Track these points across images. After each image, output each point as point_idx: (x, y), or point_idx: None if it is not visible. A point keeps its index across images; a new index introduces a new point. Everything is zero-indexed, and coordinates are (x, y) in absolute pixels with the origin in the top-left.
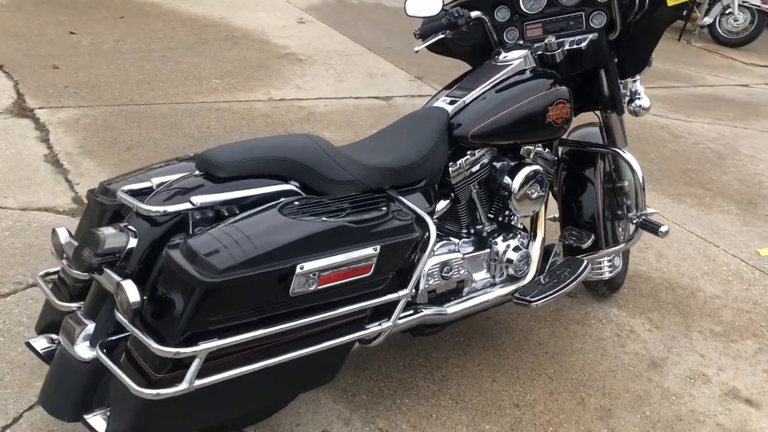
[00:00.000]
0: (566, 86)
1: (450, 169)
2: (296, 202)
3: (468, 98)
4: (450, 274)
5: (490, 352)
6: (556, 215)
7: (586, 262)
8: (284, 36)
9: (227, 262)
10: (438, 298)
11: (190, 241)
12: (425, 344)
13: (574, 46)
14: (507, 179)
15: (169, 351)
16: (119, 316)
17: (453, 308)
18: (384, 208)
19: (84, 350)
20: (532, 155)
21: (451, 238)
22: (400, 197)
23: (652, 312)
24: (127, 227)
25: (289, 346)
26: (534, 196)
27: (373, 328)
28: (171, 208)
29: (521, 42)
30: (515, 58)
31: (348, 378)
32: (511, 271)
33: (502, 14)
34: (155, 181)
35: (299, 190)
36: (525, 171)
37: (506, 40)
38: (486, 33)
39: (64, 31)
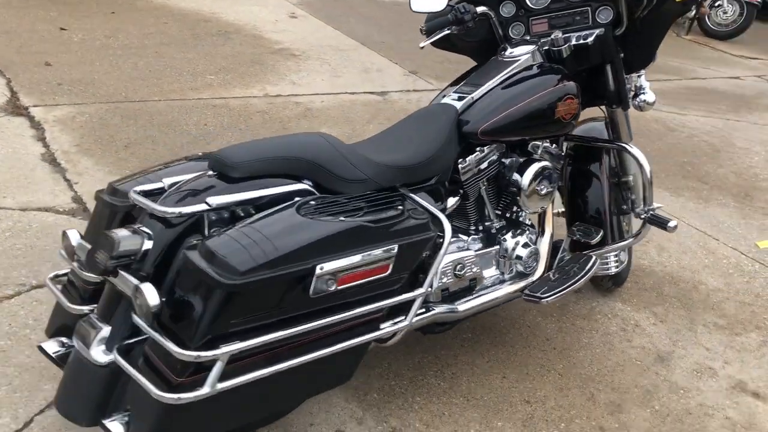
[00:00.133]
0: (574, 81)
1: (459, 166)
2: (312, 202)
3: (476, 94)
4: (463, 271)
5: (499, 348)
6: (560, 210)
7: (594, 257)
8: (277, 31)
9: (248, 264)
10: (450, 296)
11: (208, 242)
12: (433, 342)
13: (581, 41)
14: (516, 176)
15: (191, 355)
16: (137, 319)
17: (464, 305)
18: (400, 207)
19: (100, 354)
20: (539, 151)
21: (461, 236)
22: (414, 196)
23: (656, 306)
24: (141, 229)
25: (308, 347)
26: (543, 192)
27: (390, 327)
28: (186, 210)
29: (527, 37)
30: (522, 54)
31: (359, 377)
32: (520, 267)
33: (507, 9)
34: (167, 181)
35: (313, 190)
36: (534, 167)
37: (511, 35)
38: (491, 28)
39: (55, 27)
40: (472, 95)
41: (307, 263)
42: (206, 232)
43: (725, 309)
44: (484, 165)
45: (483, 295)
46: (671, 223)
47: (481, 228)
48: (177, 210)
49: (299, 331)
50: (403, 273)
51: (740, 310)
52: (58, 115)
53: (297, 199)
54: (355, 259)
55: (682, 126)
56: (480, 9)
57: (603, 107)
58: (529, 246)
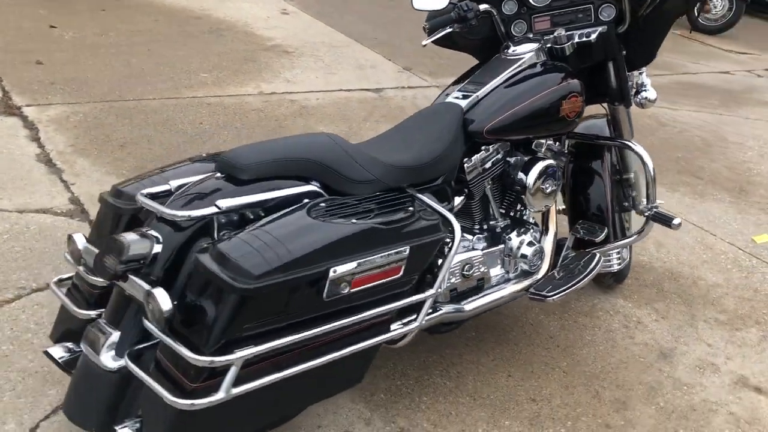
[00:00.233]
0: (578, 79)
1: (465, 165)
2: (322, 204)
3: (481, 93)
4: (471, 271)
5: (503, 346)
6: (561, 207)
7: (598, 255)
8: (269, 27)
9: (262, 268)
10: (458, 296)
11: (221, 246)
12: (438, 341)
13: (584, 39)
14: (521, 174)
15: (206, 360)
16: (148, 324)
17: (471, 305)
18: (411, 209)
19: (110, 360)
20: (543, 149)
21: (466, 235)
22: (423, 197)
23: (657, 302)
24: (149, 233)
25: (321, 350)
26: (548, 190)
27: (401, 328)
28: (196, 213)
29: (530, 35)
30: (526, 52)
31: (365, 377)
32: (524, 266)
33: (509, 7)
34: (173, 183)
35: (321, 191)
36: (539, 166)
37: (514, 33)
38: (493, 26)
39: (44, 24)
40: (477, 94)
41: (321, 266)
42: (216, 235)
43: (725, 304)
44: (489, 164)
45: (489, 294)
46: (675, 221)
47: (485, 227)
48: (187, 213)
49: (314, 334)
50: (415, 274)
51: (740, 306)
52: (52, 115)
53: (306, 201)
54: (369, 261)
55: (674, 121)
56: (483, 7)
57: (605, 104)
58: (534, 244)
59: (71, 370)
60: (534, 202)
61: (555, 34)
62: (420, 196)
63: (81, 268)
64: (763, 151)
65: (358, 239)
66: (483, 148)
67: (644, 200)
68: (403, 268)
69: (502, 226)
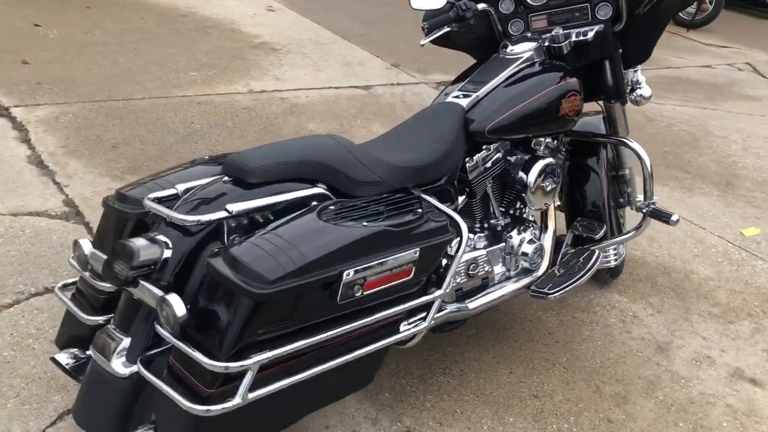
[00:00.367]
0: (576, 78)
1: (467, 165)
2: (332, 207)
3: (481, 93)
4: (476, 271)
5: (503, 343)
6: (557, 204)
7: (597, 252)
8: (255, 25)
9: (277, 272)
10: (464, 295)
11: (234, 250)
12: (440, 339)
13: (581, 38)
14: (522, 173)
15: (223, 366)
16: (161, 330)
17: (474, 303)
18: (419, 210)
19: (120, 366)
20: (542, 148)
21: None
22: (430, 198)
23: (651, 296)
24: (158, 237)
25: (334, 352)
26: (548, 188)
27: (411, 329)
28: (206, 217)
29: (528, 34)
30: (525, 51)
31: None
32: (525, 263)
33: (506, 6)
34: (180, 187)
35: (329, 193)
36: (540, 164)
37: (511, 32)
38: (490, 25)
39: (29, 23)
40: (477, 93)
41: (335, 269)
42: (226, 240)
43: (717, 297)
44: (490, 163)
45: (491, 292)
46: (673, 217)
47: (486, 226)
48: (196, 218)
49: (328, 336)
50: (424, 275)
51: (732, 298)
52: (41, 116)
53: (314, 203)
54: (381, 263)
55: (660, 116)
56: (481, 6)
57: (600, 102)
58: (534, 242)
59: (79, 377)
60: (534, 200)
61: (553, 32)
62: (427, 197)
63: (87, 274)
64: (746, 145)
65: (370, 242)
66: (484, 147)
67: (639, 196)
68: (413, 269)
69: (503, 224)
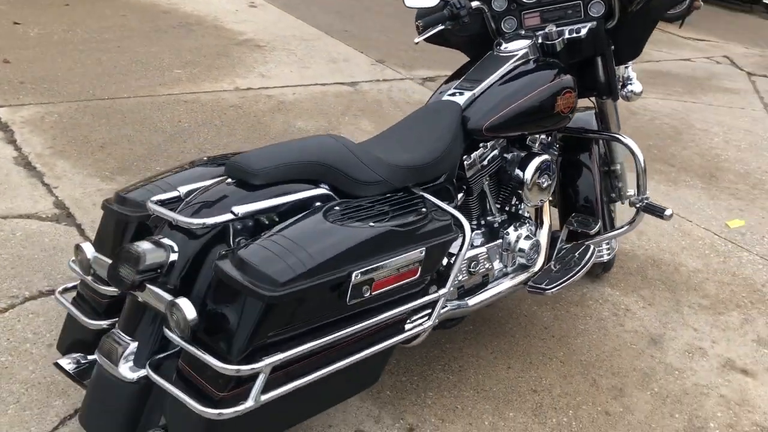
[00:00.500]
0: (570, 75)
1: (465, 162)
2: (337, 208)
3: (478, 91)
4: (477, 268)
5: (500, 339)
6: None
7: (592, 247)
8: (238, 21)
9: (287, 274)
10: (465, 292)
11: (243, 253)
12: (437, 336)
13: (574, 35)
14: (519, 170)
15: (235, 369)
16: (170, 334)
17: (473, 300)
18: (424, 210)
19: (128, 370)
20: (537, 144)
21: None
22: (431, 197)
23: (642, 289)
24: (163, 241)
25: (343, 353)
26: (544, 185)
27: (417, 327)
28: (211, 220)
29: (522, 32)
30: (519, 48)
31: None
32: (522, 260)
33: (499, 3)
34: (182, 189)
35: (332, 194)
36: (536, 161)
37: (504, 29)
38: (484, 23)
39: (7, 21)
40: (474, 92)
41: (343, 270)
42: (232, 242)
43: (707, 289)
44: (487, 161)
45: (490, 289)
46: (667, 212)
47: (482, 223)
48: (202, 221)
49: (338, 337)
50: (429, 274)
51: (720, 290)
52: (26, 116)
53: (318, 204)
54: (388, 264)
55: (643, 109)
56: (474, 4)
57: (592, 98)
58: (531, 238)
59: (83, 381)
60: (531, 197)
61: (546, 30)
62: (430, 197)
63: (89, 278)
64: (727, 137)
65: (378, 242)
66: (481, 145)
67: (630, 191)
68: (420, 269)
69: (500, 221)
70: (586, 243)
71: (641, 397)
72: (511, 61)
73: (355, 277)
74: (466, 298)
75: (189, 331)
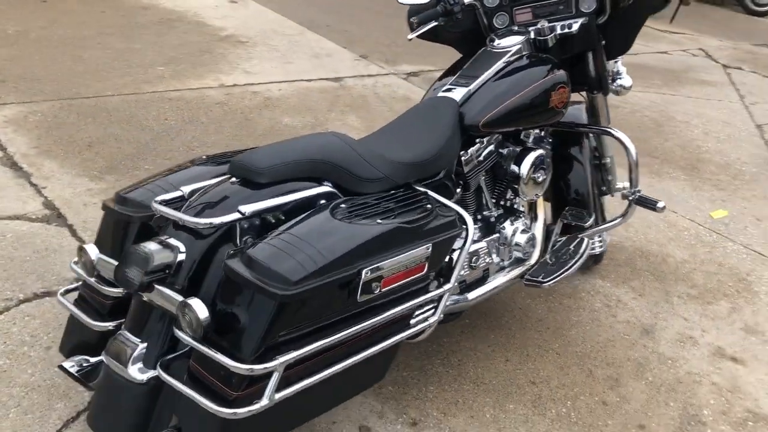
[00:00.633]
0: (564, 70)
1: (462, 158)
2: (343, 205)
3: (473, 87)
4: (478, 263)
5: (497, 332)
6: None
7: (586, 239)
8: (219, 17)
9: (299, 273)
10: (466, 287)
11: (253, 252)
12: (435, 331)
13: (566, 31)
14: (515, 165)
15: (249, 368)
16: (181, 334)
17: (473, 294)
18: (429, 206)
19: (137, 371)
20: (531, 139)
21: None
22: (434, 194)
23: (632, 280)
24: (169, 241)
25: (353, 349)
26: (539, 179)
27: (423, 323)
28: (218, 220)
29: (514, 28)
30: (513, 44)
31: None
32: (518, 253)
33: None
34: (185, 189)
35: (336, 191)
36: (532, 156)
37: (496, 25)
38: (476, 19)
39: None
40: (469, 87)
41: (353, 268)
42: (239, 242)
43: (694, 279)
44: (483, 156)
45: (489, 282)
46: (659, 204)
47: (479, 218)
48: (209, 221)
49: (349, 334)
50: (435, 270)
51: (708, 280)
52: (9, 115)
53: (323, 202)
54: (397, 260)
55: (624, 102)
56: (467, 0)
57: (583, 93)
58: (527, 232)
59: (89, 383)
60: (527, 191)
61: (538, 25)
62: (433, 193)
63: (93, 280)
64: (707, 129)
65: (386, 239)
66: (477, 140)
67: (619, 184)
68: (427, 265)
69: (496, 216)
70: (579, 236)
71: (636, 387)
72: (505, 57)
73: (365, 274)
74: (466, 293)
75: (201, 331)
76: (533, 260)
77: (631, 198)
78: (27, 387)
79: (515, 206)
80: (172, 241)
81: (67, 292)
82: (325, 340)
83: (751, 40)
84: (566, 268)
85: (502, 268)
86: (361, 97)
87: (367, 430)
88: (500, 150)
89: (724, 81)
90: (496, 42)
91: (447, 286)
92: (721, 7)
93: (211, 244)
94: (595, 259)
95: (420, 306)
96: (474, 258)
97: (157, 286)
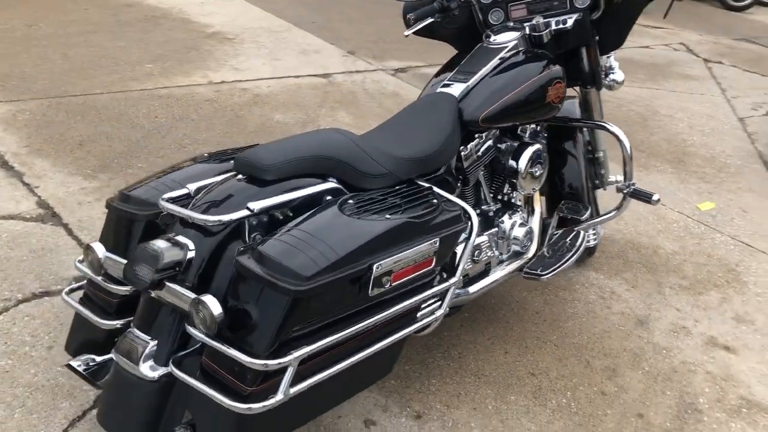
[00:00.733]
0: (559, 65)
1: (462, 153)
2: (351, 201)
3: (471, 82)
4: (480, 256)
5: (495, 325)
6: None
7: (582, 232)
8: (205, 14)
9: (312, 268)
10: (469, 280)
11: (264, 249)
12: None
13: (560, 26)
14: (513, 160)
15: (263, 364)
16: (194, 331)
17: (474, 288)
18: (434, 201)
19: (149, 369)
20: (528, 134)
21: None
22: (438, 189)
23: (625, 272)
24: (178, 238)
25: (364, 343)
26: (537, 174)
27: (429, 316)
28: (227, 217)
29: (510, 24)
30: (509, 40)
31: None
32: (516, 247)
33: None
34: (191, 186)
35: (341, 187)
36: (529, 151)
37: (491, 21)
38: (471, 15)
39: None
40: (467, 83)
41: (364, 263)
42: (247, 238)
43: (685, 270)
44: (482, 151)
45: (489, 276)
46: (654, 197)
47: (479, 212)
48: (218, 218)
49: (361, 328)
50: (442, 264)
51: (698, 271)
52: None
53: (329, 198)
54: (407, 255)
55: (611, 97)
56: None
57: (576, 88)
58: (525, 226)
59: (97, 382)
60: (525, 185)
61: (534, 21)
62: (437, 189)
63: (100, 278)
64: (692, 122)
65: (395, 234)
66: (476, 136)
67: (612, 177)
68: (434, 259)
69: (494, 210)
70: (576, 229)
71: (634, 377)
72: (502, 53)
73: (376, 269)
74: (468, 287)
75: (215, 327)
76: (531, 254)
77: (625, 191)
78: (30, 387)
79: (513, 200)
80: (181, 238)
81: (72, 291)
82: (338, 335)
83: (730, 35)
84: (564, 260)
85: (501, 262)
86: (350, 93)
87: (372, 424)
88: (498, 145)
89: (705, 75)
90: (492, 38)
91: (453, 280)
92: (700, 3)
93: (220, 241)
94: (588, 252)
95: (426, 300)
96: (476, 252)
97: (168, 284)
